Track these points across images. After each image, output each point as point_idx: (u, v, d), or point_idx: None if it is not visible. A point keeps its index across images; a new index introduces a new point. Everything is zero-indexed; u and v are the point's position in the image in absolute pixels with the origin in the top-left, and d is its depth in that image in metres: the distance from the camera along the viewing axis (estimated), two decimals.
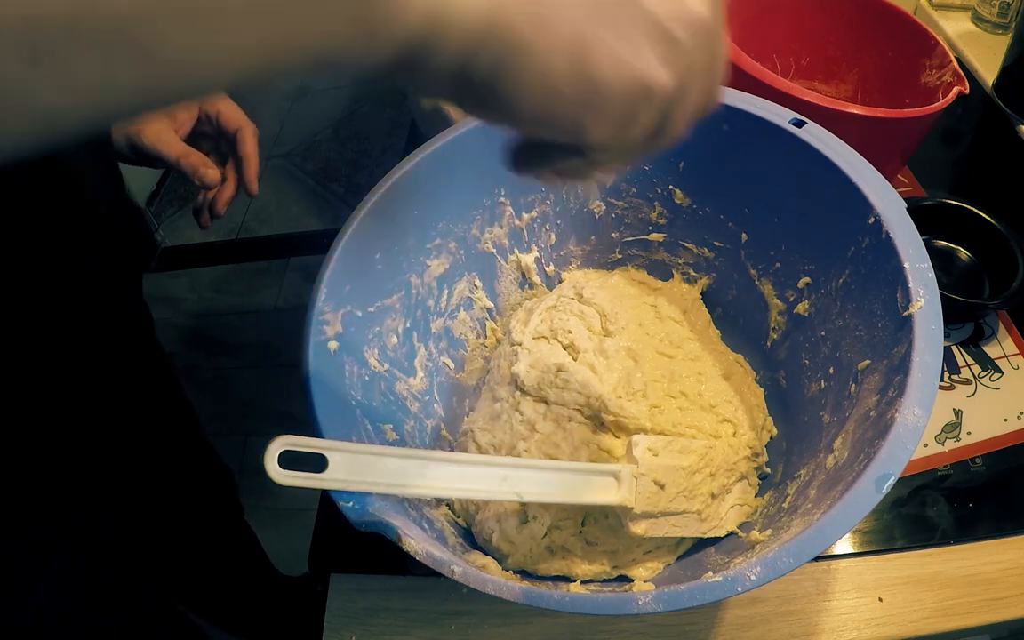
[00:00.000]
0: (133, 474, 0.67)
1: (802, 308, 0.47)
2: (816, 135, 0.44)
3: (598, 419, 0.46)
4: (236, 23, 0.16)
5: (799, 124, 0.45)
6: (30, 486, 0.53)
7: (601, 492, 0.38)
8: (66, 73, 0.14)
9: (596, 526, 0.42)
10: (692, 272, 0.55)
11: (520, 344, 0.49)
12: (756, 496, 0.44)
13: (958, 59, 0.70)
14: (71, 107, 0.15)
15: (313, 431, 0.35)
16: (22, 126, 0.15)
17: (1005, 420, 0.51)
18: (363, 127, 1.99)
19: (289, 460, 0.30)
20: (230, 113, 0.56)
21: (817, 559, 0.41)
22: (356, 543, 0.43)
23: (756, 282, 0.51)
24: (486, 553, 0.41)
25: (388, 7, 0.17)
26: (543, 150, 0.26)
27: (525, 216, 0.53)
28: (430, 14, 0.18)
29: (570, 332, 0.49)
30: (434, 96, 0.20)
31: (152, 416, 0.69)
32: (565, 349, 0.49)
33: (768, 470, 0.46)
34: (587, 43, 0.20)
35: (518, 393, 0.48)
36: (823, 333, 0.45)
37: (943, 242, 0.61)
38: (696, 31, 0.22)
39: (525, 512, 0.42)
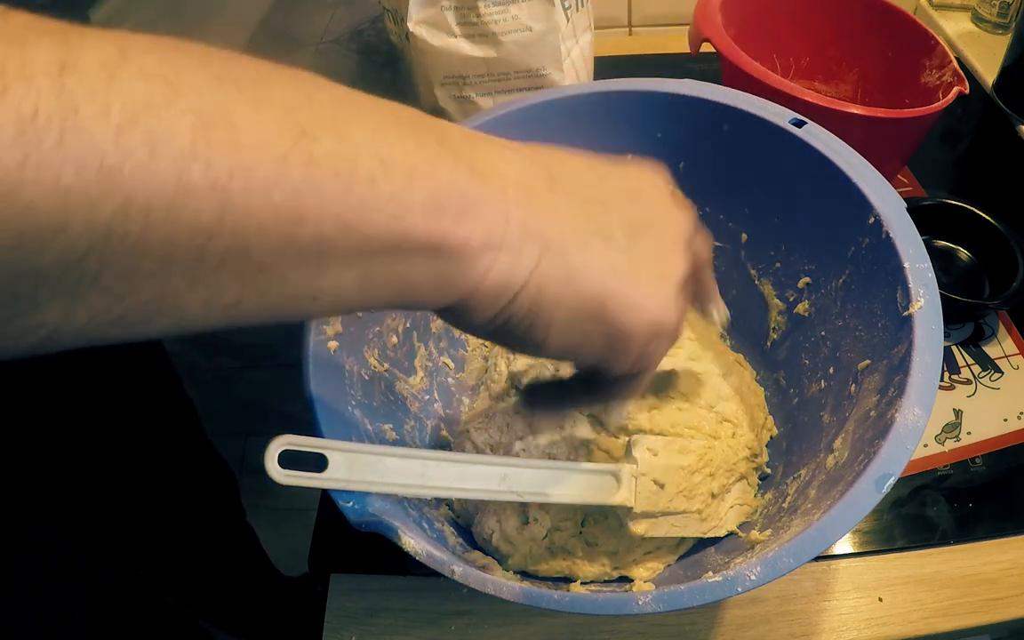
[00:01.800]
0: (133, 474, 0.67)
1: (802, 308, 0.47)
2: (816, 135, 0.44)
3: (596, 419, 0.46)
4: (345, 275, 0.20)
5: (799, 124, 0.45)
6: (30, 486, 0.53)
7: (601, 492, 0.38)
8: (213, 293, 0.18)
9: (596, 527, 0.42)
10: None
11: None
12: (756, 496, 0.44)
13: (958, 59, 0.70)
14: (206, 316, 0.19)
15: (313, 431, 0.35)
16: (163, 325, 0.19)
17: (1005, 420, 0.51)
18: None
19: (289, 460, 0.30)
20: None
21: (817, 559, 0.41)
22: (356, 543, 0.43)
23: (756, 282, 0.51)
24: (486, 553, 0.41)
25: (464, 278, 0.22)
26: (559, 392, 0.32)
27: None
28: (474, 285, 0.22)
29: None
30: (473, 334, 0.26)
31: (152, 415, 0.69)
32: None
33: (768, 470, 0.46)
34: (608, 296, 0.25)
35: (515, 391, 0.48)
36: (823, 333, 0.45)
37: (943, 242, 0.61)
38: (685, 273, 0.27)
39: (526, 513, 0.42)
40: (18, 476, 0.51)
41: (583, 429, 0.46)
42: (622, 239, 0.25)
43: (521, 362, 0.48)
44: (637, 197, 0.27)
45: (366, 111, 0.21)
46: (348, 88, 0.21)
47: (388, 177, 0.20)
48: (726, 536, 0.42)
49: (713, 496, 0.41)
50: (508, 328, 0.24)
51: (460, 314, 0.24)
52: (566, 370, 0.47)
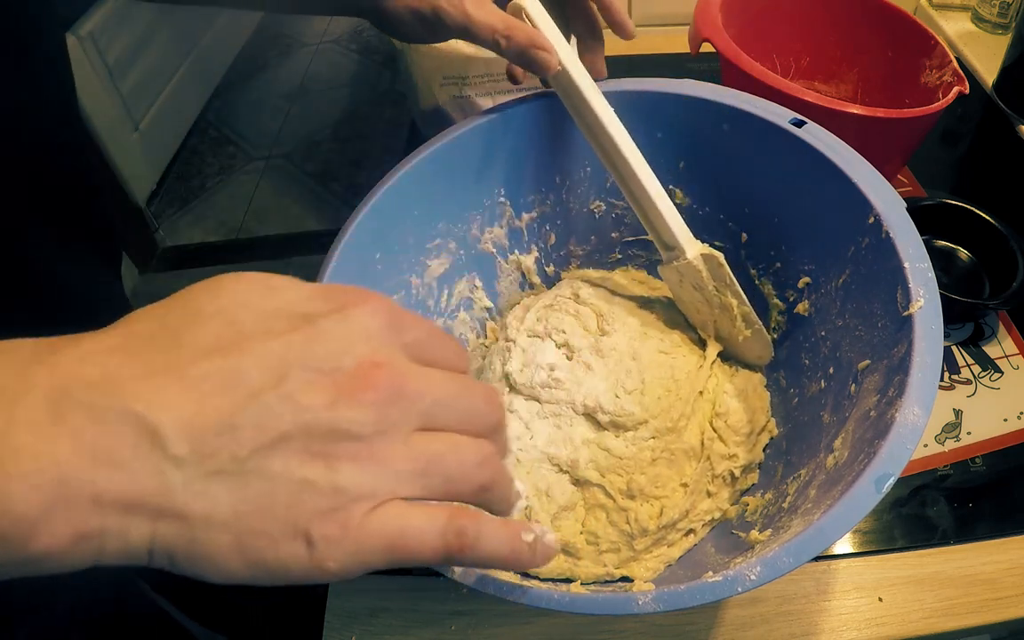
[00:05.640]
0: None
1: (802, 308, 0.47)
2: (816, 135, 0.44)
3: (594, 419, 0.46)
4: None
5: (799, 124, 0.45)
6: None
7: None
8: None
9: (597, 523, 0.42)
10: None
11: (514, 341, 0.49)
12: (733, 504, 0.44)
13: (958, 59, 0.70)
14: None
15: None
16: None
17: (1005, 420, 0.51)
18: (363, 127, 1.99)
19: None
20: None
21: (817, 559, 0.41)
22: None
23: (756, 282, 0.51)
24: None
25: (55, 566, 0.19)
26: None
27: (525, 216, 0.53)
28: (89, 557, 0.20)
29: (564, 332, 0.49)
30: None
31: None
32: (560, 348, 0.49)
33: (756, 481, 0.46)
34: (246, 546, 0.21)
35: (509, 391, 0.47)
36: (823, 333, 0.45)
37: (943, 242, 0.61)
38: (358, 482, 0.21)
39: (526, 514, 0.42)
40: None
41: (581, 428, 0.45)
42: (259, 456, 0.20)
43: (516, 362, 0.48)
44: (304, 369, 0.21)
45: None
46: None
47: None
48: (726, 536, 0.42)
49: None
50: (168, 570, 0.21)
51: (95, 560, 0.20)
52: (563, 363, 0.47)
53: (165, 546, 0.20)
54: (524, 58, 0.42)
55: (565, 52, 0.43)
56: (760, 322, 0.47)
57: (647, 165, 0.45)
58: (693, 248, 0.46)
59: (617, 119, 0.44)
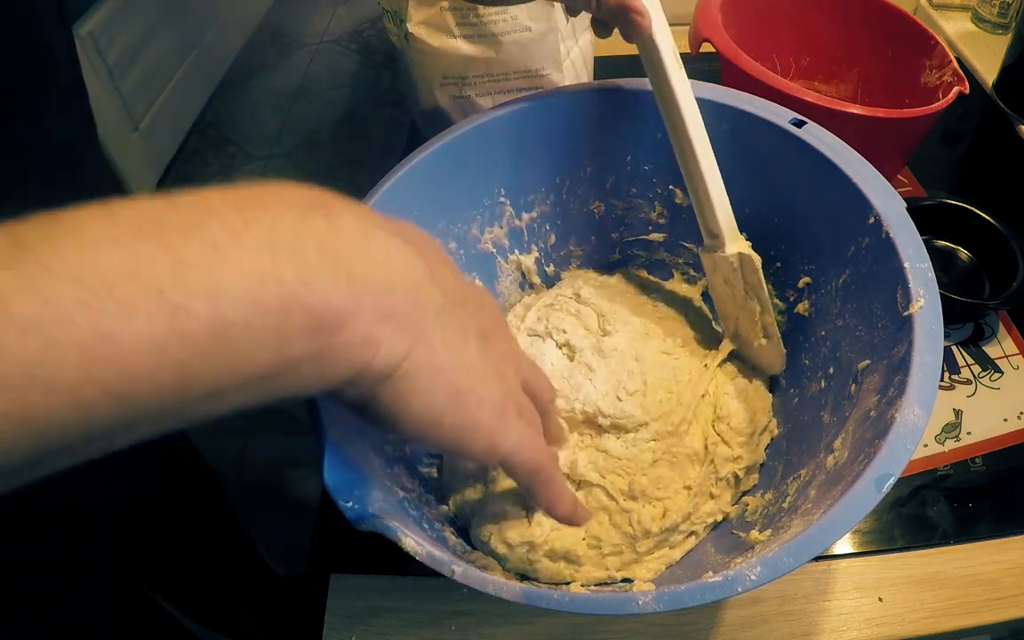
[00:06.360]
0: (118, 476, 0.67)
1: (802, 308, 0.47)
2: (816, 135, 0.44)
3: (595, 421, 0.46)
4: (240, 397, 0.22)
5: (799, 124, 0.45)
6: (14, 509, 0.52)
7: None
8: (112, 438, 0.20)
9: (601, 526, 0.42)
10: (692, 272, 0.55)
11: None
12: (733, 504, 0.44)
13: (958, 59, 0.70)
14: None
15: (314, 431, 0.35)
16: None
17: (1005, 420, 0.51)
18: (363, 127, 1.99)
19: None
20: None
21: (817, 559, 0.41)
22: (356, 543, 0.43)
23: None
24: (486, 554, 0.41)
25: (344, 373, 0.24)
26: None
27: (525, 216, 0.53)
28: (353, 376, 0.24)
29: (564, 332, 0.49)
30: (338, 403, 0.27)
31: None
32: (561, 348, 0.49)
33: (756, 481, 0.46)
34: (463, 392, 0.28)
35: None
36: (823, 333, 0.45)
37: (943, 242, 0.61)
38: (513, 383, 0.32)
39: (527, 516, 0.42)
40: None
41: (583, 429, 0.45)
42: (475, 341, 0.29)
43: None
44: (482, 308, 0.32)
45: (241, 237, 0.21)
46: (226, 192, 0.22)
47: (264, 316, 0.21)
48: (726, 535, 0.42)
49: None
50: (371, 405, 0.26)
51: (335, 395, 0.25)
52: (564, 364, 0.47)
53: (408, 369, 0.25)
54: (618, 18, 0.42)
55: (658, 19, 0.43)
56: (779, 335, 0.47)
57: (711, 152, 0.44)
58: (734, 244, 0.46)
59: (693, 98, 0.44)
